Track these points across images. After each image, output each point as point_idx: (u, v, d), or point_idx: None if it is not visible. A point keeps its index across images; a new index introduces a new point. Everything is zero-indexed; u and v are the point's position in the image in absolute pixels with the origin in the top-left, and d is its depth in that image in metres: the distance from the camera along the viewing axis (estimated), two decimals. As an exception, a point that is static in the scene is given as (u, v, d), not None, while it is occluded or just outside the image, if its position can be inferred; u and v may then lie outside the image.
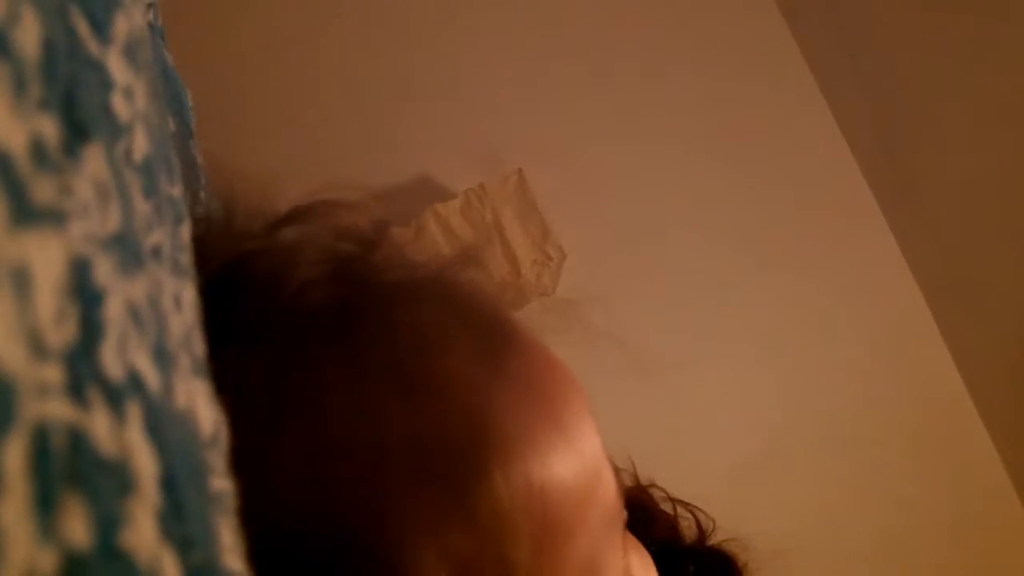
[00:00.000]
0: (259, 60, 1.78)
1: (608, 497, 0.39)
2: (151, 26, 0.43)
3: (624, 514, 0.42)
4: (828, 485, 1.83)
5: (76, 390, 0.17)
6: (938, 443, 1.90)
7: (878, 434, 1.87)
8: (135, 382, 0.19)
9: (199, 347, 0.24)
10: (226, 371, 0.26)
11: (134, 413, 0.19)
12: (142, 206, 0.21)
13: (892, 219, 2.00)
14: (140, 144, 0.22)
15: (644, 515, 0.53)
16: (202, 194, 0.50)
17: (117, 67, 0.21)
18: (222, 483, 0.23)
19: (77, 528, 0.16)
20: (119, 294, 0.19)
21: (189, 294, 0.25)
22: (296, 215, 0.40)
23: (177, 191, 0.27)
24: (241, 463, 0.26)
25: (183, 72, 0.58)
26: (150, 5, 0.44)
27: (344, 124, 1.78)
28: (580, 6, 1.93)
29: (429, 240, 1.63)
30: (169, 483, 0.20)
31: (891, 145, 1.97)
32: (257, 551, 0.30)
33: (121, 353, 0.19)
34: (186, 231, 0.27)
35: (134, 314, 0.19)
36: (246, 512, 0.28)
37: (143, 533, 0.18)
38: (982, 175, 1.84)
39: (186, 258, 0.26)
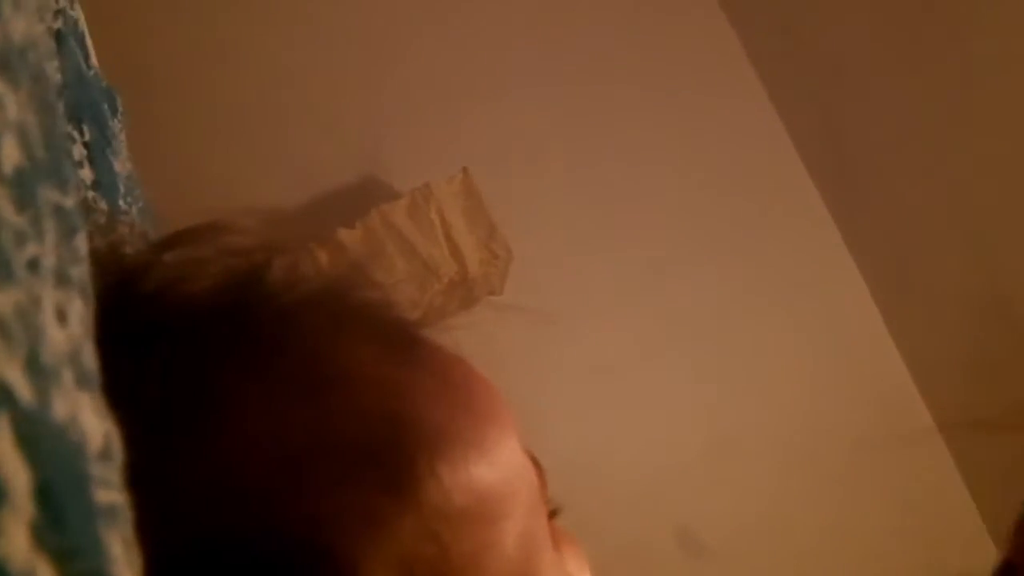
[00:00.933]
0: (203, 60, 1.76)
1: (531, 487, 0.40)
2: (59, 33, 0.42)
3: (550, 506, 0.43)
4: (775, 474, 1.85)
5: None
6: (883, 431, 1.93)
7: (824, 424, 1.89)
8: (3, 395, 0.19)
9: (88, 360, 0.24)
10: (121, 384, 0.27)
11: (2, 425, 0.19)
12: (13, 219, 0.21)
13: (835, 211, 2.02)
14: (10, 154, 0.21)
15: None
16: (125, 203, 0.49)
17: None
18: (112, 495, 0.23)
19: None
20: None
21: (77, 307, 0.24)
22: (182, 238, 0.40)
23: (70, 202, 0.27)
24: (151, 478, 0.26)
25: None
26: (58, 12, 0.43)
27: (289, 124, 1.77)
28: (525, 6, 1.93)
29: (375, 240, 1.63)
30: (45, 494, 0.20)
31: (833, 137, 2.00)
32: (179, 563, 0.31)
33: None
34: (81, 242, 0.27)
35: (1, 328, 0.19)
36: (161, 525, 0.28)
37: (15, 542, 0.18)
38: (924, 165, 1.86)
39: (78, 271, 0.26)
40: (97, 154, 0.45)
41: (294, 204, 1.72)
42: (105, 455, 0.24)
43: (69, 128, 0.43)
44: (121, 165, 0.51)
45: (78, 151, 0.45)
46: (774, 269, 1.96)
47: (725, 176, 1.97)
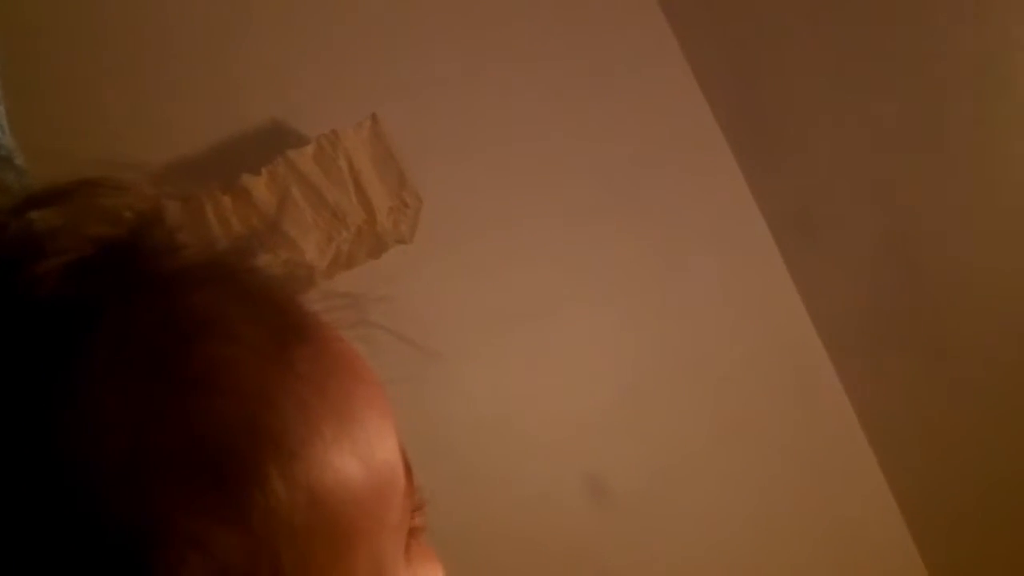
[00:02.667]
0: (92, 8, 1.69)
1: (397, 502, 0.38)
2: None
3: (413, 519, 0.40)
4: (684, 423, 1.88)
5: None
6: (787, 378, 1.97)
7: (730, 371, 1.92)
8: None
9: None
10: None
11: None
12: None
13: (743, 161, 2.04)
14: None
15: None
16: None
17: None
18: None
19: None
20: None
21: None
22: (52, 196, 0.36)
23: None
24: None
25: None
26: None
27: (191, 65, 1.71)
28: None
29: (281, 187, 1.59)
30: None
31: (743, 87, 2.01)
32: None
33: None
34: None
35: None
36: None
37: None
38: (829, 117, 1.89)
39: None
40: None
41: (197, 149, 1.67)
42: None
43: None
44: None
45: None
46: (682, 220, 1.97)
47: (633, 126, 1.97)
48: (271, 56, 1.74)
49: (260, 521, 0.32)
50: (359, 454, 0.35)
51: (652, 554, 1.79)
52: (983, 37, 1.61)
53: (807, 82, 1.89)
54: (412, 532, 0.40)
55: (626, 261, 1.91)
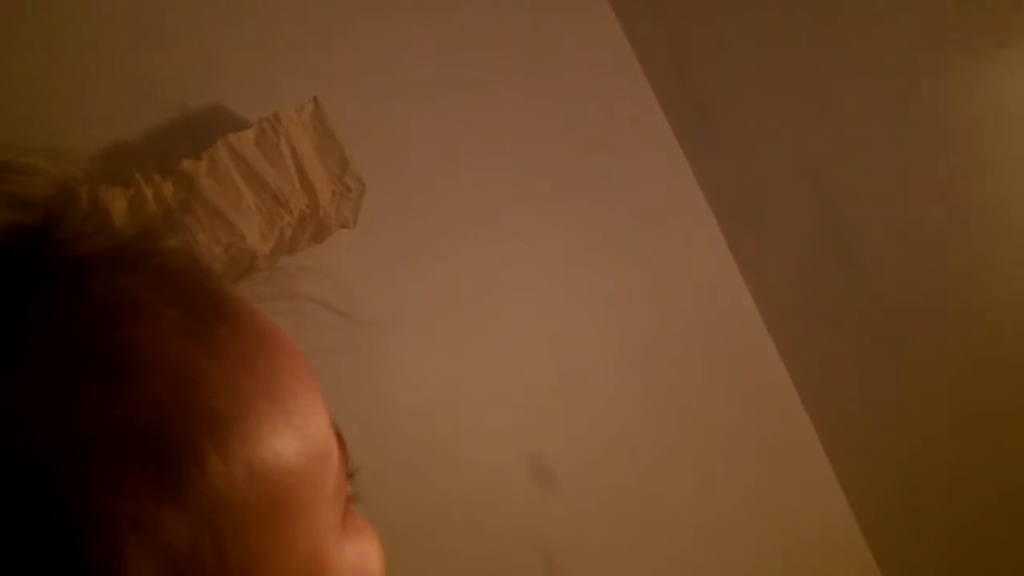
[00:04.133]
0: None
1: (332, 472, 0.38)
2: None
3: (348, 489, 0.41)
4: (626, 405, 1.89)
5: None
6: (729, 360, 1.99)
7: (672, 353, 1.94)
8: None
9: None
10: None
11: None
12: None
13: (685, 142, 2.05)
14: None
15: None
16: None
17: None
18: None
19: None
20: None
21: None
22: None
23: None
24: None
25: None
26: None
27: (127, 49, 1.68)
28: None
29: (222, 172, 1.57)
30: None
31: (684, 68, 2.02)
32: None
33: None
34: None
35: None
36: None
37: None
38: (770, 98, 1.91)
39: None
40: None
41: (134, 134, 1.65)
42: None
43: None
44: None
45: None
46: (624, 202, 1.98)
47: (577, 109, 1.97)
48: (209, 38, 1.72)
49: (199, 499, 0.32)
50: (292, 425, 0.35)
51: (594, 534, 1.81)
52: (921, 21, 1.64)
53: (750, 64, 1.91)
54: (346, 501, 0.40)
55: (569, 243, 1.92)
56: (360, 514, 0.41)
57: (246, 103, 1.69)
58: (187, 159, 1.55)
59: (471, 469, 1.74)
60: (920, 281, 1.78)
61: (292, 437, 0.35)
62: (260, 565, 0.33)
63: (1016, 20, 1.53)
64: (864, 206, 1.83)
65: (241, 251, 1.55)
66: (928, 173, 1.72)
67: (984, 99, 1.61)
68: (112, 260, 0.35)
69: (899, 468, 1.90)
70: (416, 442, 1.70)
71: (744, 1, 1.87)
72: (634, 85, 2.03)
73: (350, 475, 0.41)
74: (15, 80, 1.59)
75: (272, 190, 1.59)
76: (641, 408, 1.90)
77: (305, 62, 1.77)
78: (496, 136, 1.89)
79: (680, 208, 2.04)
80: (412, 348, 1.74)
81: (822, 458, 1.99)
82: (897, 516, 1.93)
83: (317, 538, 0.36)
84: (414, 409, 1.71)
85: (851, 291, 1.89)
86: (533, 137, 1.93)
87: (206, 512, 0.32)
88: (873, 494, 1.97)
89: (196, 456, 0.32)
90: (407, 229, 1.77)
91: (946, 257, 1.72)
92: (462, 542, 1.69)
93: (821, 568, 1.91)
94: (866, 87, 1.75)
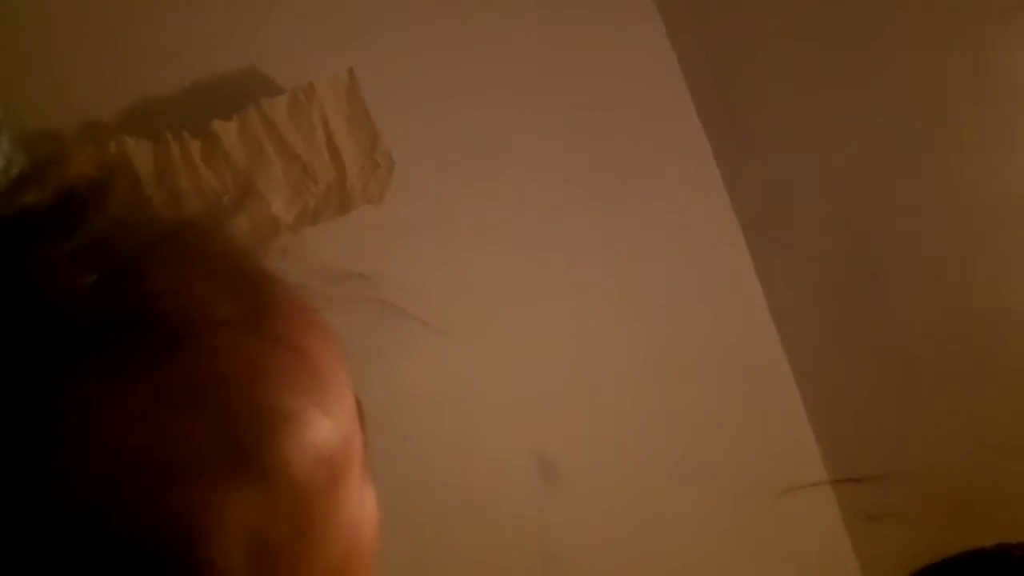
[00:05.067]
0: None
1: (359, 439, 0.40)
2: None
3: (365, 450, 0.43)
4: (635, 407, 1.88)
5: None
6: (743, 378, 1.97)
7: (687, 366, 1.92)
8: None
9: None
10: None
11: None
12: None
13: (718, 154, 2.03)
14: None
15: None
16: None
17: None
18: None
19: None
20: None
21: None
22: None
23: None
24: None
25: None
26: None
27: (167, 6, 1.67)
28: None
29: (252, 136, 1.56)
30: None
31: (723, 79, 2.00)
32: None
33: None
34: None
35: None
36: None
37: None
38: (803, 112, 1.89)
39: None
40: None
41: (168, 90, 1.63)
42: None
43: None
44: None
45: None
46: (651, 206, 1.96)
47: (612, 111, 1.95)
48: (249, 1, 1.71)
49: (274, 491, 0.34)
50: (339, 408, 0.38)
51: (594, 536, 1.80)
52: (961, 44, 1.62)
53: (789, 79, 1.89)
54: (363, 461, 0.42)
55: (595, 247, 1.90)
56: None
57: (282, 70, 1.68)
58: (217, 120, 1.54)
59: (479, 462, 1.73)
60: (943, 306, 1.77)
61: (342, 418, 0.37)
62: (322, 534, 0.35)
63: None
64: (892, 230, 1.81)
65: (264, 218, 1.54)
66: (964, 208, 1.70)
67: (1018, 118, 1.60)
68: (161, 254, 0.35)
69: (904, 499, 1.88)
70: (426, 430, 1.68)
71: (786, 18, 1.85)
72: (674, 93, 2.01)
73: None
74: (52, 32, 1.58)
75: (301, 159, 1.58)
76: (650, 417, 1.88)
77: (344, 33, 1.75)
78: (531, 136, 1.88)
79: (708, 220, 2.02)
80: (423, 337, 1.73)
81: (827, 488, 1.97)
82: (901, 546, 1.91)
83: (355, 499, 0.38)
84: (426, 398, 1.70)
85: (873, 318, 1.87)
86: (568, 139, 1.91)
87: (283, 497, 0.34)
88: (876, 527, 1.95)
89: (272, 451, 0.34)
90: (434, 216, 1.76)
91: (970, 281, 1.71)
92: (462, 531, 1.68)
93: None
94: (898, 108, 1.73)
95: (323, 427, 0.36)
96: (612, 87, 1.95)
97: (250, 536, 0.33)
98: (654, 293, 1.93)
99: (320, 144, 1.60)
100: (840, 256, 1.90)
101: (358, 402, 0.42)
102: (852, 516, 1.96)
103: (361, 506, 0.39)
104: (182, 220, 0.39)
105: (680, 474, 1.88)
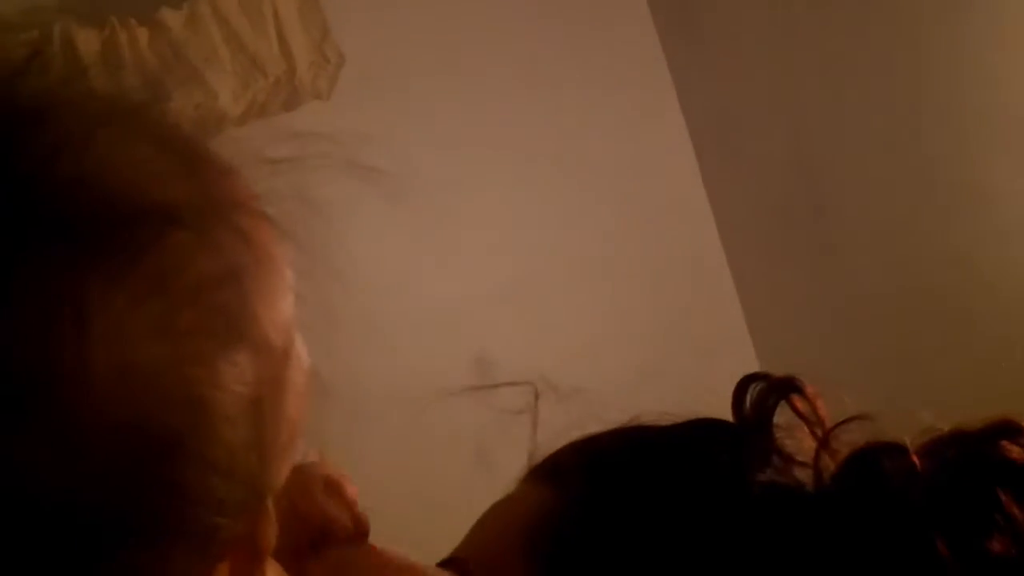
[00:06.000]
0: None
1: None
2: None
3: None
4: (575, 314, 1.91)
5: None
6: (683, 282, 2.01)
7: (628, 267, 1.95)
8: None
9: None
10: None
11: None
12: None
13: (673, 65, 2.04)
14: None
15: None
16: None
17: None
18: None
19: None
20: None
21: None
22: None
23: None
24: None
25: None
26: None
27: None
28: None
29: (201, 27, 1.54)
30: None
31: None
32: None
33: None
34: None
35: None
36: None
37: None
38: (765, 37, 1.90)
39: None
40: None
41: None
42: None
43: None
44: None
45: None
46: (602, 106, 1.97)
47: (569, 15, 1.95)
48: None
49: (264, 350, 0.36)
50: (288, 286, 0.39)
51: (526, 433, 1.83)
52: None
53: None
54: None
55: (540, 143, 1.91)
56: None
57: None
58: (166, 8, 1.52)
59: (414, 356, 1.75)
60: (887, 244, 1.81)
61: (290, 295, 0.39)
62: (290, 389, 0.38)
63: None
64: (837, 152, 1.84)
65: (211, 110, 1.53)
66: (907, 131, 1.73)
67: (970, 46, 1.63)
68: (114, 126, 0.36)
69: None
70: (363, 319, 1.70)
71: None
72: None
73: None
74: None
75: (250, 52, 1.57)
76: (590, 316, 1.92)
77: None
78: (486, 37, 1.87)
79: (657, 122, 2.03)
80: (374, 226, 1.74)
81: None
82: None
83: (300, 360, 0.40)
84: (367, 287, 1.71)
85: (818, 248, 1.91)
86: (517, 33, 1.90)
87: (265, 359, 0.36)
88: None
89: (253, 319, 0.36)
90: (382, 109, 1.75)
91: (911, 215, 1.75)
92: (395, 423, 1.70)
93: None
94: (859, 42, 1.75)
95: (286, 297, 0.38)
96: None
97: (247, 398, 0.35)
98: (600, 193, 1.95)
99: (270, 36, 1.59)
100: (788, 184, 1.94)
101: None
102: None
103: (301, 365, 0.41)
104: (126, 99, 0.39)
105: (618, 382, 1.92)
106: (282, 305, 0.38)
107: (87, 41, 1.47)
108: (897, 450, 0.54)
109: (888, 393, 0.56)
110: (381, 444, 1.67)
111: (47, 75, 0.35)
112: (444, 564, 0.55)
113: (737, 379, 0.62)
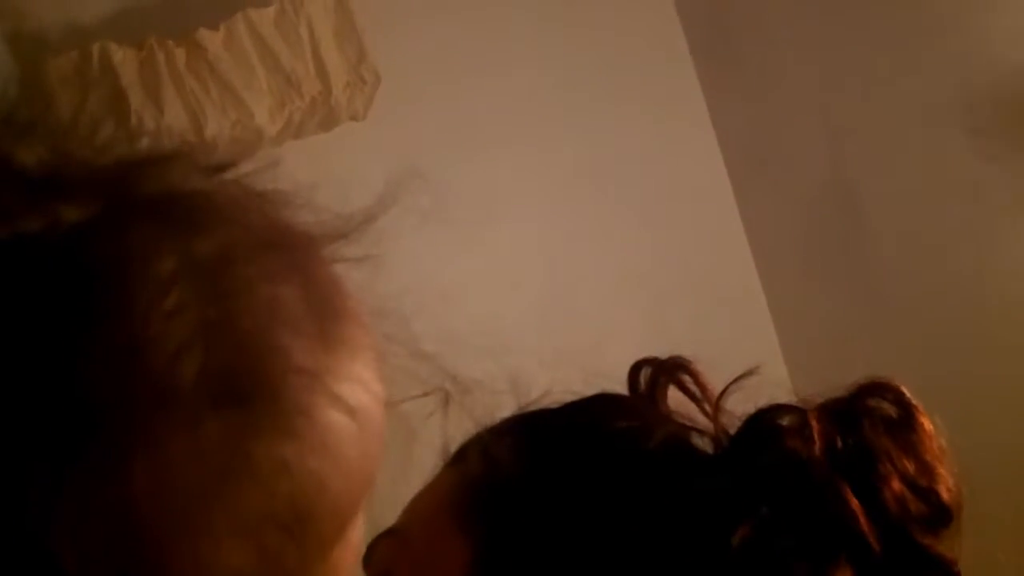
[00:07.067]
0: None
1: None
2: None
3: None
4: (609, 332, 1.90)
5: None
6: (718, 302, 2.00)
7: (662, 287, 1.94)
8: None
9: None
10: None
11: None
12: None
13: (703, 74, 2.03)
14: None
15: None
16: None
17: None
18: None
19: None
20: None
21: None
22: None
23: None
24: None
25: None
26: None
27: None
28: None
29: (238, 46, 1.55)
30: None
31: (717, 10, 2.00)
32: None
33: None
34: None
35: None
36: None
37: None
38: (798, 52, 1.89)
39: None
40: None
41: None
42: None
43: None
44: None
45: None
46: (634, 127, 1.97)
47: (598, 31, 1.95)
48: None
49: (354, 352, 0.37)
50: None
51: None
52: None
53: (783, 14, 1.89)
54: None
55: (573, 165, 1.91)
56: None
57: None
58: (204, 28, 1.53)
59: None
60: (921, 242, 1.79)
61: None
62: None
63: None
64: (875, 174, 1.83)
65: (248, 129, 1.54)
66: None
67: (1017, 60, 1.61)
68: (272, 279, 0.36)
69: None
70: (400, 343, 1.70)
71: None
72: (664, 18, 2.00)
73: None
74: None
75: (286, 71, 1.58)
76: (622, 338, 1.91)
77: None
78: (515, 56, 1.88)
79: (689, 142, 2.03)
80: (409, 250, 1.74)
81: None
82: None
83: None
84: (404, 302, 1.71)
85: (851, 250, 1.89)
86: (554, 58, 1.91)
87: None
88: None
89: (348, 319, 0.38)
90: (418, 131, 1.76)
91: (951, 238, 1.73)
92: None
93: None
94: (891, 40, 1.74)
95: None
96: (600, 5, 1.95)
97: (330, 387, 0.35)
98: (633, 213, 1.95)
99: (306, 56, 1.60)
100: (824, 207, 1.92)
101: None
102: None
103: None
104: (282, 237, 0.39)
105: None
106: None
107: (125, 61, 1.48)
108: (792, 409, 0.60)
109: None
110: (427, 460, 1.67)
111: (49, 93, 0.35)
112: (383, 535, 0.61)
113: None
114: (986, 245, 1.72)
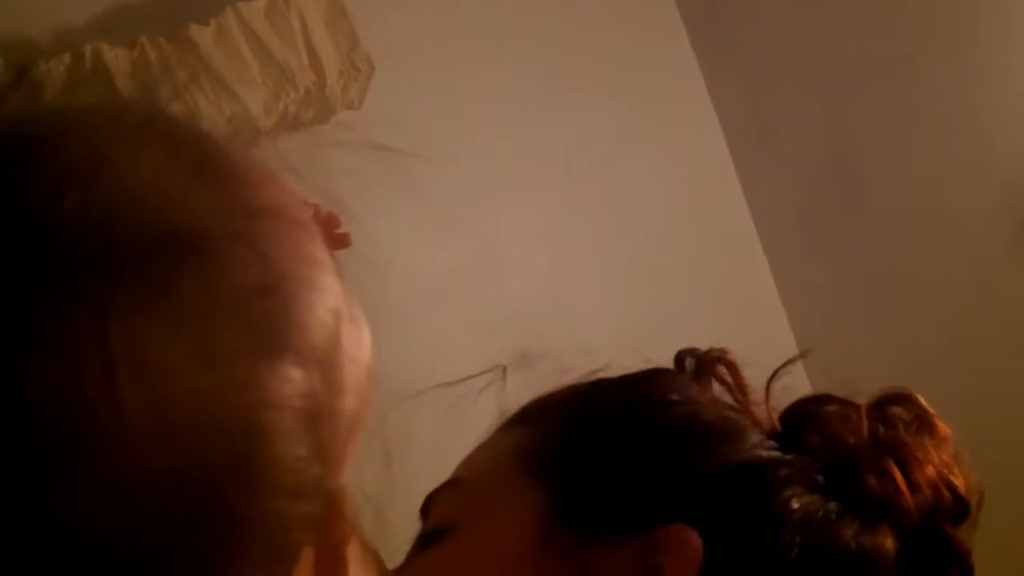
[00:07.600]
0: None
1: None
2: None
3: None
4: (617, 311, 1.90)
5: None
6: (721, 275, 1.99)
7: (665, 263, 1.94)
8: None
9: None
10: None
11: None
12: None
13: (702, 60, 2.03)
14: None
15: None
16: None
17: None
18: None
19: None
20: None
21: None
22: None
23: None
24: None
25: None
26: None
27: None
28: None
29: (229, 41, 1.55)
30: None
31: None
32: None
33: None
34: None
35: None
36: None
37: None
38: (796, 27, 1.89)
39: None
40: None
41: (141, -4, 1.61)
42: None
43: None
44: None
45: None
46: (632, 104, 1.96)
47: (593, 7, 1.94)
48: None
49: (309, 352, 0.35)
50: (326, 253, 0.38)
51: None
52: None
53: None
54: None
55: (573, 142, 1.90)
56: None
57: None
58: (195, 24, 1.53)
59: (457, 355, 1.75)
60: (923, 214, 1.79)
61: (331, 265, 0.38)
62: (346, 376, 0.37)
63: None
64: (873, 148, 1.82)
65: (243, 123, 1.53)
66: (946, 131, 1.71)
67: (1016, 39, 1.60)
68: (121, 143, 0.34)
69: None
70: (404, 331, 1.70)
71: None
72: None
73: None
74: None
75: (279, 64, 1.57)
76: (629, 316, 1.91)
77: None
78: (508, 34, 1.87)
79: (688, 117, 2.02)
80: (406, 234, 1.74)
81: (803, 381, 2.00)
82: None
83: (352, 335, 0.40)
84: (401, 295, 1.71)
85: (853, 223, 1.89)
86: (548, 30, 1.90)
87: (312, 361, 0.35)
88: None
89: (294, 325, 0.34)
90: (411, 118, 1.75)
91: (952, 213, 1.73)
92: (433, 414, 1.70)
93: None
94: (898, 33, 1.74)
95: (326, 296, 0.36)
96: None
97: (302, 410, 0.33)
98: (633, 189, 1.94)
99: (299, 47, 1.59)
100: (826, 185, 1.92)
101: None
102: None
103: (355, 358, 0.39)
104: (132, 111, 0.38)
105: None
106: (322, 306, 0.35)
107: (117, 60, 1.48)
108: (833, 399, 0.68)
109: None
110: (427, 433, 1.67)
111: (40, 96, 0.35)
112: (443, 487, 0.66)
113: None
114: (990, 215, 1.72)
